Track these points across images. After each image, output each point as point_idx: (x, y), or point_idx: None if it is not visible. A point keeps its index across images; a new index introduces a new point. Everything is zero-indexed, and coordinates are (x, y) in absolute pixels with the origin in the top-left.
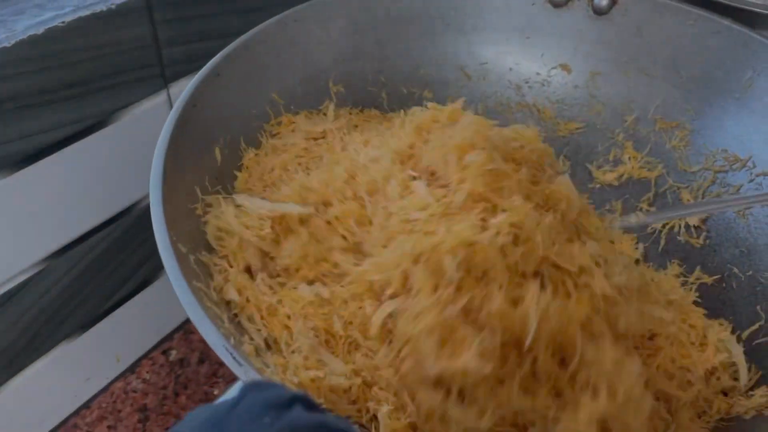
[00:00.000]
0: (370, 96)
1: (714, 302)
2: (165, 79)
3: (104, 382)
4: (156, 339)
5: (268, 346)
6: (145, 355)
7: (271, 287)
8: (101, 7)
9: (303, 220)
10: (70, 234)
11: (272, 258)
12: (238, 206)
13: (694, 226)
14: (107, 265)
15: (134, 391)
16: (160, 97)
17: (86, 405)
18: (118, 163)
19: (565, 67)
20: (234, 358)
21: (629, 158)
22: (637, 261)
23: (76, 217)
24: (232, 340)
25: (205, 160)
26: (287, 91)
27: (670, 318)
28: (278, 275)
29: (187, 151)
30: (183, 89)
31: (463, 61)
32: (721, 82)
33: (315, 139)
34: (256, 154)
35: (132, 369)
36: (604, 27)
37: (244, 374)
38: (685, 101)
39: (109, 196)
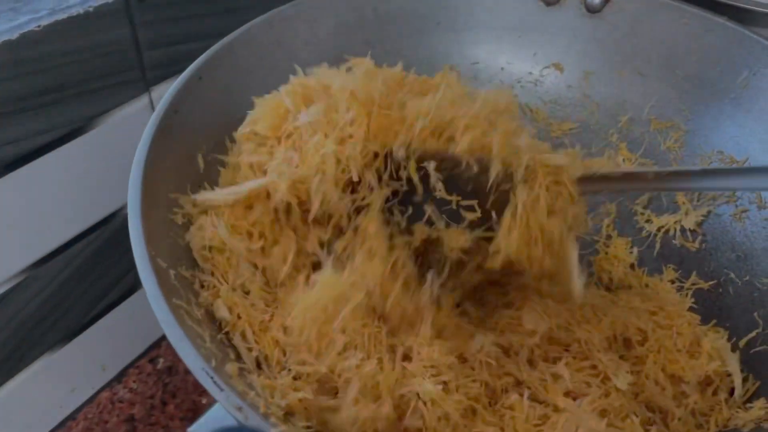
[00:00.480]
0: None
1: (710, 308)
2: (146, 82)
3: (90, 393)
4: (143, 347)
5: (259, 365)
6: (132, 364)
7: (266, 303)
8: (78, 10)
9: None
10: (51, 243)
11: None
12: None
13: (689, 230)
14: (91, 273)
15: (121, 401)
16: (142, 102)
17: (72, 416)
18: (99, 169)
19: (557, 66)
20: (214, 381)
21: (623, 160)
22: (632, 266)
23: (58, 226)
24: (213, 362)
25: (187, 167)
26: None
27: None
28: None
29: (168, 160)
30: (165, 92)
31: (454, 60)
32: (716, 81)
33: None
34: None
35: (118, 378)
36: (598, 25)
37: (226, 399)
38: (680, 101)
39: (91, 203)
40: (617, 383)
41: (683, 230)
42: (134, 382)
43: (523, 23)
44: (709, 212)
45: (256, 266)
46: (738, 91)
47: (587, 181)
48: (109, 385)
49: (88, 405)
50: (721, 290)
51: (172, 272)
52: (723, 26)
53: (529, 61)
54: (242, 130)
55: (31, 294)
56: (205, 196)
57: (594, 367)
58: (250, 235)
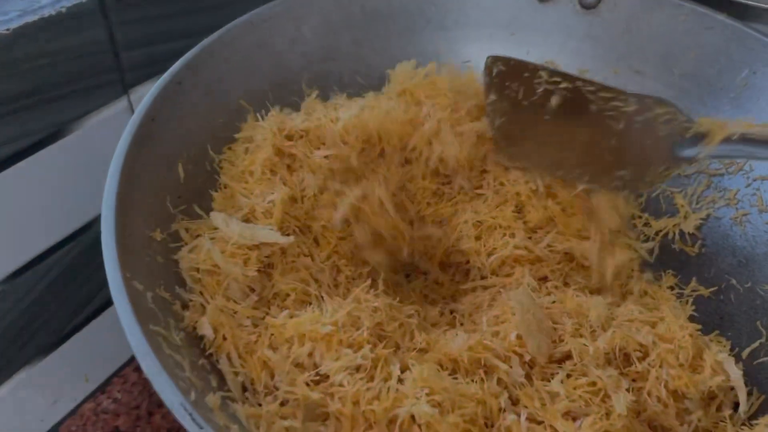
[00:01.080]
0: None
1: (711, 316)
2: (125, 84)
3: (72, 405)
4: (127, 355)
5: (246, 390)
6: (116, 373)
7: (254, 323)
8: (50, 11)
9: (284, 251)
10: (28, 253)
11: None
12: (213, 230)
13: (689, 234)
14: (70, 283)
15: (105, 412)
16: (121, 104)
17: (54, 429)
18: (77, 176)
19: (551, 64)
20: (193, 418)
21: None
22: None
23: (34, 236)
24: (193, 394)
25: (167, 177)
26: (257, 96)
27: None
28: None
29: (145, 171)
30: (146, 94)
31: (444, 59)
32: (715, 80)
33: (290, 138)
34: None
35: (102, 388)
36: (592, 22)
37: None
38: (677, 101)
39: (70, 211)
40: (617, 407)
41: (682, 234)
42: (119, 392)
43: (516, 20)
44: (708, 215)
45: (251, 289)
46: (738, 90)
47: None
48: (92, 396)
49: (71, 417)
50: (722, 297)
51: (149, 294)
52: (722, 23)
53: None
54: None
55: (8, 306)
56: (220, 223)
57: (593, 384)
58: (246, 261)
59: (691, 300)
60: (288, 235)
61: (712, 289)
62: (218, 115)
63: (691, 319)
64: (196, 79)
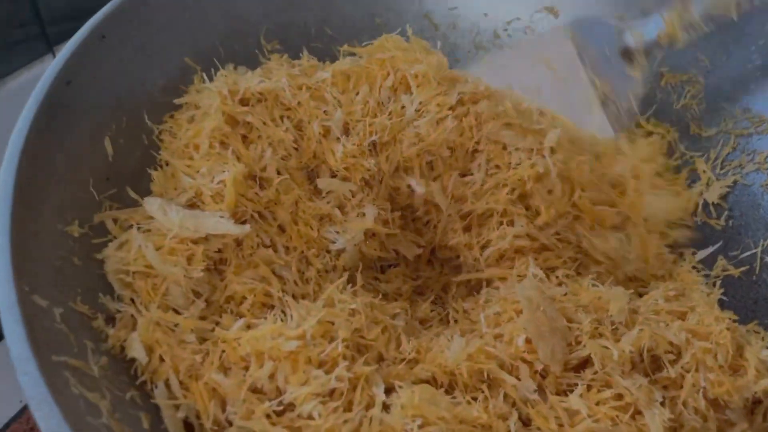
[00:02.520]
0: (314, 54)
1: (743, 301)
2: (49, 40)
3: None
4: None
5: (191, 428)
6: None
7: (200, 338)
8: None
9: (240, 243)
10: None
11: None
12: (149, 219)
13: (713, 204)
14: None
15: None
16: (45, 64)
17: None
18: None
19: (551, 10)
20: None
21: None
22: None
23: None
24: None
25: (90, 155)
26: (205, 52)
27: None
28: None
29: (59, 149)
30: None
31: (428, 6)
32: (742, 24)
33: (243, 103)
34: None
35: None
36: None
37: None
38: (697, 48)
39: None
40: (651, 427)
41: (706, 204)
42: None
43: None
44: (735, 182)
45: (197, 294)
46: None
47: None
48: None
49: None
50: (754, 278)
51: (57, 311)
52: None
53: (518, 5)
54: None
55: None
56: (156, 212)
57: (620, 397)
58: (190, 259)
59: (719, 282)
60: (244, 222)
61: (742, 269)
62: (156, 76)
63: (721, 305)
64: (126, 31)
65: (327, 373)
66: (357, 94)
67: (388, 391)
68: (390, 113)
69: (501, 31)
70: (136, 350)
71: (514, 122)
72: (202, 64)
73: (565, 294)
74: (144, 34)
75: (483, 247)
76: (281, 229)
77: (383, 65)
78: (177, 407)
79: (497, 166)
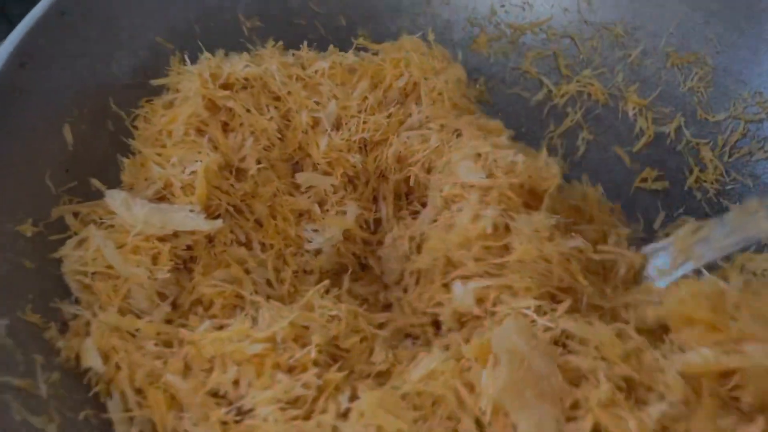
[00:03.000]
0: (297, 31)
1: None
2: (10, 21)
3: None
4: None
5: None
6: None
7: (163, 343)
8: None
9: (211, 239)
10: None
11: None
12: (112, 213)
13: (714, 192)
14: None
15: None
16: None
17: None
18: None
19: None
20: None
21: (633, 108)
22: None
23: None
24: None
25: (47, 145)
26: (179, 31)
27: None
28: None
29: (9, 138)
30: None
31: None
32: (755, 1)
33: (225, 87)
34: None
35: None
36: None
37: None
38: (706, 27)
39: None
40: None
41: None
42: None
43: None
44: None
45: (163, 296)
46: None
47: None
48: None
49: None
50: None
51: (2, 324)
52: None
53: None
54: None
55: None
56: (119, 207)
57: None
58: (155, 258)
59: None
60: (217, 217)
61: None
62: (124, 56)
63: None
64: (88, 7)
65: (293, 379)
66: (356, 89)
67: (353, 399)
68: (390, 114)
69: (498, 6)
70: (92, 358)
71: None
72: (175, 43)
73: (564, 335)
74: (109, 10)
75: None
76: (258, 223)
77: (397, 65)
78: (131, 419)
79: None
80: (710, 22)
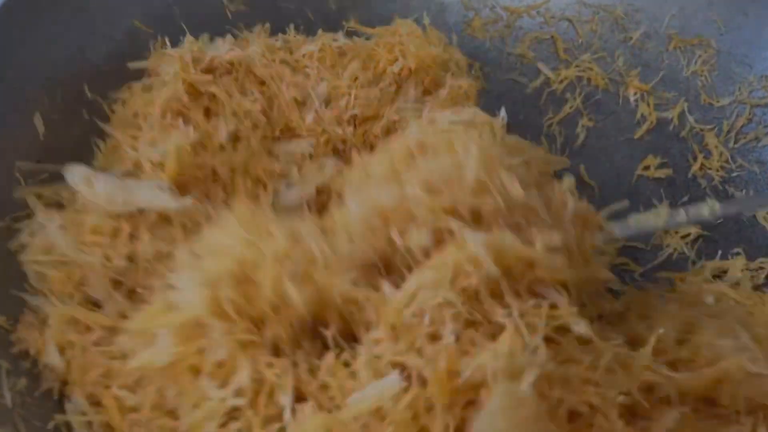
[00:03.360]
0: (283, 15)
1: None
2: None
3: None
4: None
5: None
6: None
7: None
8: None
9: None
10: None
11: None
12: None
13: (719, 180)
14: None
15: None
16: None
17: None
18: None
19: None
20: None
21: (635, 94)
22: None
23: None
24: None
25: (15, 134)
26: (156, 14)
27: None
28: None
29: None
30: None
31: None
32: None
33: (208, 72)
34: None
35: None
36: None
37: None
38: (709, 8)
39: None
40: None
41: (712, 184)
42: None
43: None
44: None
45: (119, 283)
46: None
47: None
48: None
49: None
50: None
51: None
52: None
53: None
54: None
55: None
56: (79, 184)
57: None
58: (115, 234)
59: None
60: (188, 194)
61: None
62: (99, 41)
63: None
64: None
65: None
66: (347, 70)
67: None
68: (381, 89)
69: None
70: (51, 355)
71: None
72: (153, 26)
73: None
74: None
75: None
76: (226, 192)
77: (391, 50)
78: (90, 423)
79: None
80: (713, 3)
